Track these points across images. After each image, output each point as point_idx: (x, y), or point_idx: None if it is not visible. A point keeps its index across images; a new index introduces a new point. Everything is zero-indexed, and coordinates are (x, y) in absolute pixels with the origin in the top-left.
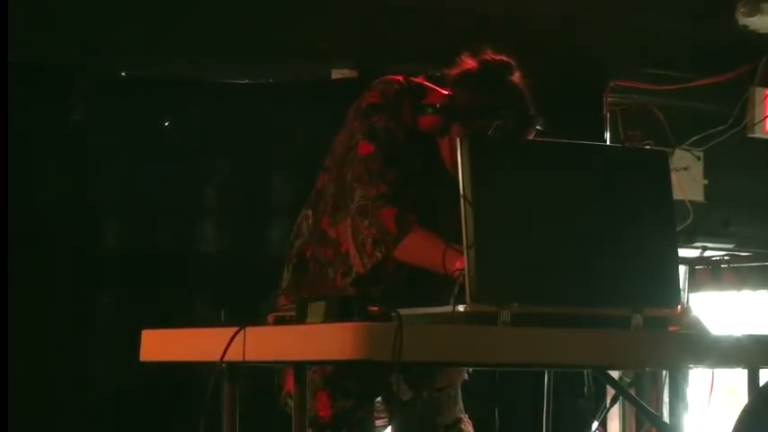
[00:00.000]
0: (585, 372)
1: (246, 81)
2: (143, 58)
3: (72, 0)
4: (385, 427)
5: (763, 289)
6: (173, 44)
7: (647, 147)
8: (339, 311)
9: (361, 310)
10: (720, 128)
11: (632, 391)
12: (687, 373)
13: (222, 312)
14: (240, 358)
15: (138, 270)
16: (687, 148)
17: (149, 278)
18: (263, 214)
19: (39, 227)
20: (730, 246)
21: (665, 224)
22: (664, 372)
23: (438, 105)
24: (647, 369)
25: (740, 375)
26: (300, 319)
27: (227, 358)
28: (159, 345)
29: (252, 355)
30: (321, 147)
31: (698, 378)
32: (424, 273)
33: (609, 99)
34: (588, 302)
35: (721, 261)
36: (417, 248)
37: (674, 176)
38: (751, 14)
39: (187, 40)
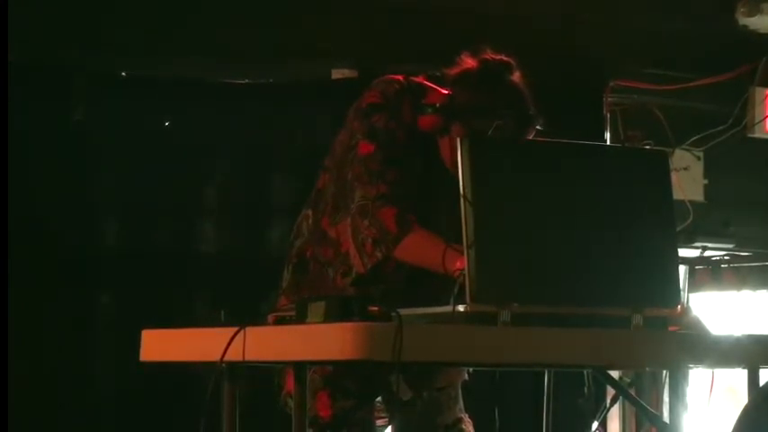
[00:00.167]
0: (585, 372)
1: (246, 81)
2: (143, 58)
3: (72, 0)
4: (385, 426)
5: (763, 289)
6: (173, 44)
7: (647, 147)
8: (339, 311)
9: (361, 310)
10: (720, 128)
11: (632, 391)
12: (687, 372)
13: (222, 312)
14: (240, 358)
15: (138, 270)
16: (687, 148)
17: (149, 278)
18: (263, 214)
19: (39, 227)
20: (730, 246)
21: (665, 224)
22: (664, 372)
23: (438, 105)
24: (647, 369)
25: (740, 375)
26: (300, 319)
27: (227, 358)
28: (159, 345)
29: (252, 355)
30: (321, 147)
31: (698, 378)
32: (424, 273)
33: (609, 99)
34: (588, 302)
35: (721, 261)
36: (417, 248)
37: (674, 176)
38: (751, 14)
39: (187, 40)
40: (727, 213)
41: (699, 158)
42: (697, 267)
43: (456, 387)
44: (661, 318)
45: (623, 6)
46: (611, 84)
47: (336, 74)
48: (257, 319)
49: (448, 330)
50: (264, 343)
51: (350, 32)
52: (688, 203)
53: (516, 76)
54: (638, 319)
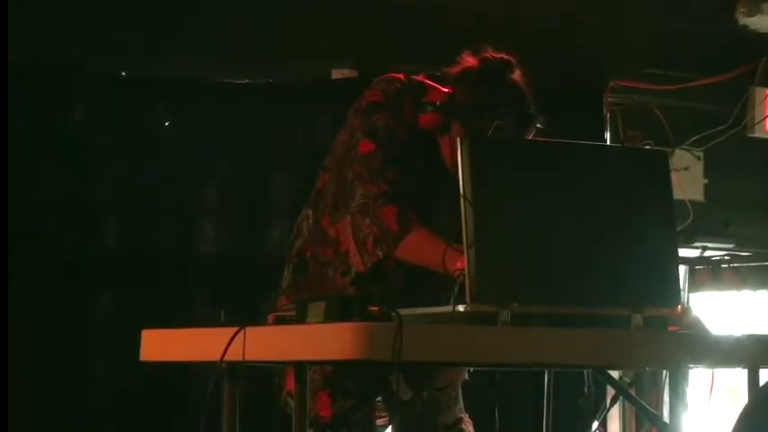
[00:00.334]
0: (585, 372)
1: (246, 81)
2: (143, 58)
3: (72, 0)
4: (385, 426)
5: (764, 289)
6: (173, 44)
7: (647, 147)
8: (339, 311)
9: (361, 310)
10: (720, 128)
11: (632, 391)
12: (687, 372)
13: (222, 312)
14: (240, 358)
15: (138, 270)
16: (687, 148)
17: (149, 278)
18: (263, 214)
19: (39, 227)
20: (730, 246)
21: (665, 224)
22: (664, 372)
23: (438, 103)
24: (647, 369)
25: (740, 375)
26: (300, 319)
27: (227, 358)
28: (159, 345)
29: (252, 355)
30: (321, 147)
31: (698, 378)
32: (425, 272)
33: (609, 99)
34: (588, 302)
35: (721, 261)
36: (418, 248)
37: (674, 176)
38: (751, 14)
39: (187, 40)
40: (727, 213)
41: (699, 158)
42: (697, 267)
43: (456, 387)
44: (661, 318)
45: (623, 6)
46: (611, 84)
47: (336, 74)
48: (257, 319)
49: (448, 330)
50: (264, 343)
51: (350, 32)
52: (688, 203)
53: (517, 75)
54: (638, 319)
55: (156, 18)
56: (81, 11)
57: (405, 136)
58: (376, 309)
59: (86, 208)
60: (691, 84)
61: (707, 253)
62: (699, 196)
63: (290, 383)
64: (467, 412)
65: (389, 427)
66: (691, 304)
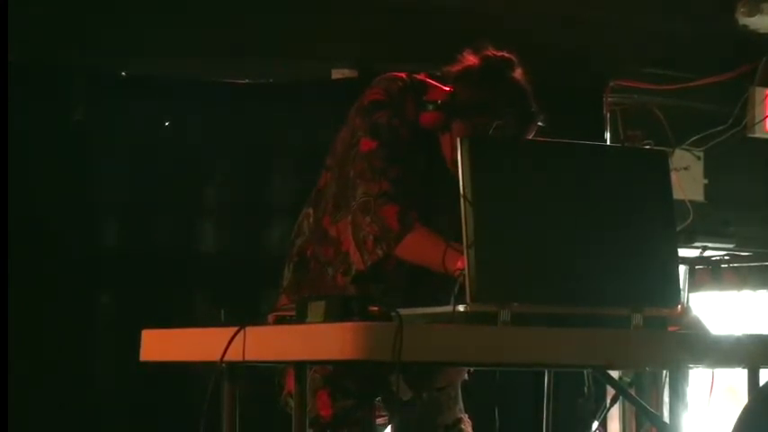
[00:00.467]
0: (585, 372)
1: (246, 81)
2: (143, 58)
3: (72, 0)
4: (385, 426)
5: (764, 289)
6: (172, 44)
7: (647, 147)
8: (339, 311)
9: (361, 309)
10: (720, 128)
11: (632, 391)
12: (687, 372)
13: (222, 312)
14: (240, 358)
15: (138, 270)
16: (687, 147)
17: (149, 278)
18: (263, 214)
19: (39, 227)
20: (730, 245)
21: (665, 224)
22: (664, 371)
23: (439, 102)
24: (647, 369)
25: (740, 375)
26: (300, 318)
27: (227, 358)
28: (159, 344)
29: (252, 355)
30: (321, 147)
31: (698, 378)
32: (425, 272)
33: (609, 99)
34: (588, 302)
35: (721, 261)
36: (418, 247)
37: (674, 176)
38: (751, 14)
39: (187, 40)
40: (727, 213)
41: (699, 158)
42: (697, 267)
43: (456, 387)
44: (661, 318)
45: (623, 6)
46: (611, 84)
47: (336, 74)
48: (257, 319)
49: (448, 330)
50: (264, 343)
51: (350, 32)
52: (688, 203)
53: (518, 73)
54: (638, 319)
55: (157, 18)
56: (81, 11)
57: (407, 134)
58: (376, 309)
59: (86, 208)
60: (691, 84)
61: (707, 253)
62: (699, 196)
63: (291, 383)
64: (467, 412)
65: (389, 427)
66: (691, 304)
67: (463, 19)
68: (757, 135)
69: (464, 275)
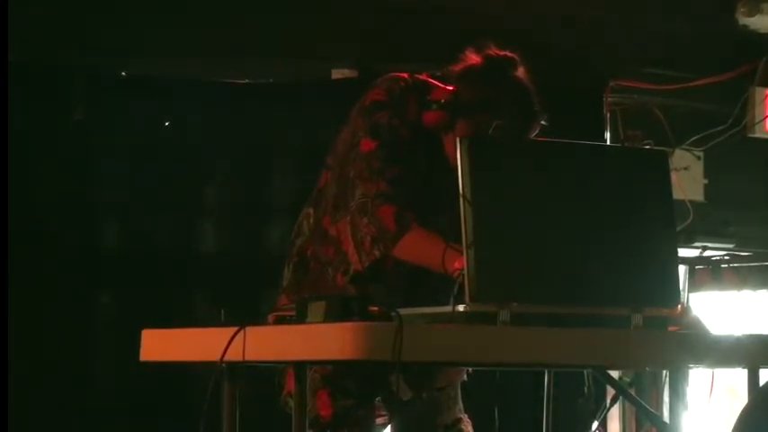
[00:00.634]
0: (585, 372)
1: (246, 81)
2: (143, 58)
3: (72, 0)
4: (385, 425)
5: (764, 289)
6: (172, 44)
7: (647, 147)
8: (339, 311)
9: (361, 309)
10: (720, 128)
11: (632, 391)
12: (687, 372)
13: (222, 312)
14: (240, 358)
15: (138, 270)
16: (687, 147)
17: (149, 278)
18: (263, 214)
19: (39, 227)
20: (730, 245)
21: (665, 224)
22: (664, 372)
23: (443, 101)
24: (647, 369)
25: (740, 375)
26: (300, 318)
27: (227, 358)
28: (159, 344)
29: (252, 355)
30: (321, 147)
31: (698, 378)
32: (424, 272)
33: (609, 99)
34: (588, 302)
35: (721, 261)
36: (416, 247)
37: (674, 176)
38: (751, 14)
39: (187, 40)
40: (727, 213)
41: (699, 158)
42: (697, 267)
43: (456, 387)
44: (661, 318)
45: (623, 6)
46: (611, 84)
47: (336, 74)
48: (257, 319)
49: (448, 330)
50: (264, 343)
51: (350, 32)
52: (688, 203)
53: (521, 72)
54: (638, 319)
55: (157, 18)
56: (81, 11)
57: (407, 134)
58: (376, 309)
59: (86, 208)
60: (691, 84)
61: (707, 253)
62: (699, 196)
63: (291, 383)
64: (467, 412)
65: (389, 427)
66: (691, 304)
67: (463, 19)
68: (757, 135)
69: (463, 275)
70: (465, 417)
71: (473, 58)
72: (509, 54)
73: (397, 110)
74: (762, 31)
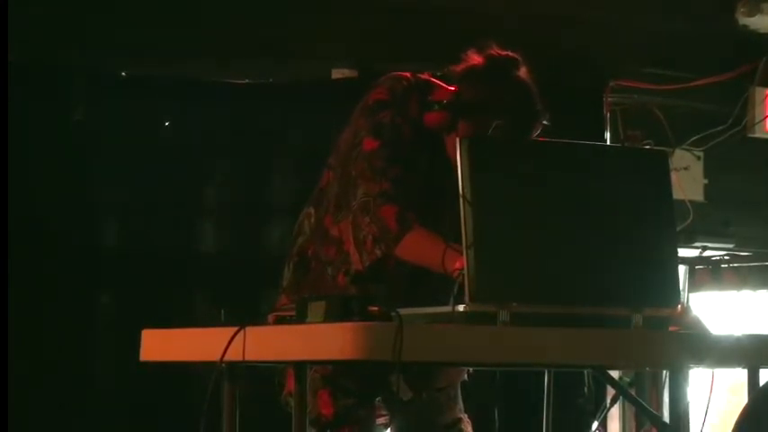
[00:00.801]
0: (585, 372)
1: (246, 81)
2: (143, 58)
3: (72, 0)
4: (385, 425)
5: (764, 289)
6: (173, 44)
7: (647, 147)
8: (339, 311)
9: (361, 309)
10: (720, 128)
11: (632, 391)
12: (687, 372)
13: (222, 312)
14: (240, 358)
15: (138, 270)
16: (687, 147)
17: (149, 278)
18: (263, 214)
19: (39, 227)
20: (730, 245)
21: (665, 224)
22: (664, 372)
23: (445, 102)
24: (647, 369)
25: (740, 375)
26: (300, 318)
27: (227, 358)
28: (159, 344)
29: (252, 355)
30: (321, 147)
31: (698, 378)
32: (425, 272)
33: (609, 99)
34: (588, 302)
35: (721, 261)
36: (417, 247)
37: (674, 176)
38: (751, 14)
39: (187, 40)
40: (727, 213)
41: (699, 158)
42: (697, 267)
43: (456, 387)
44: (661, 318)
45: (623, 6)
46: (611, 84)
47: (336, 74)
48: (257, 319)
49: (448, 330)
50: (264, 343)
51: (350, 32)
52: (688, 203)
53: (523, 72)
54: (638, 319)
55: (156, 18)
56: (81, 11)
57: (409, 133)
58: (376, 309)
59: (86, 208)
60: (691, 84)
61: (707, 253)
62: (699, 196)
63: (291, 383)
64: (467, 412)
65: (389, 428)
66: (691, 304)
67: (463, 19)
68: (757, 135)
69: (463, 276)
70: (465, 417)
71: (475, 58)
72: (511, 54)
73: (399, 109)
74: (762, 31)
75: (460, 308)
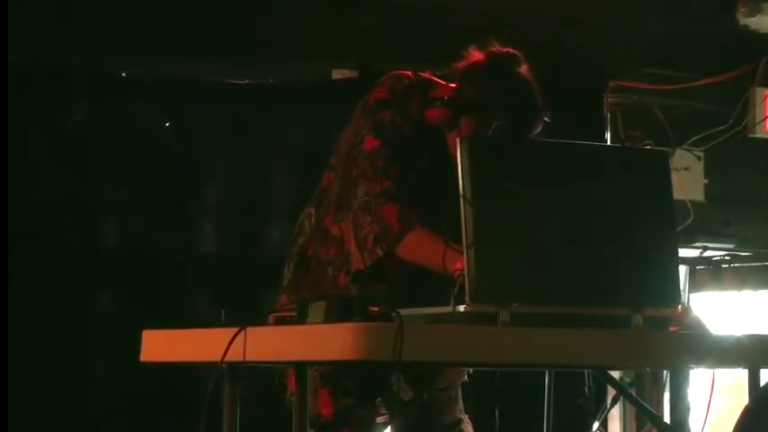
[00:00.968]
0: (586, 372)
1: (246, 81)
2: (143, 58)
3: (72, 0)
4: (385, 425)
5: (764, 289)
6: (173, 44)
7: (647, 147)
8: (340, 311)
9: (361, 310)
10: (720, 128)
11: (633, 391)
12: (688, 372)
13: (222, 312)
14: (241, 358)
15: (138, 270)
16: (687, 147)
17: (149, 278)
18: (263, 214)
19: (39, 227)
20: (731, 246)
21: (666, 224)
22: (664, 372)
23: (446, 98)
24: (648, 369)
25: (741, 375)
26: (301, 319)
27: (227, 358)
28: (160, 345)
29: (252, 356)
30: (321, 147)
31: (698, 378)
32: (425, 272)
33: (609, 99)
34: (588, 302)
35: (722, 261)
36: (418, 247)
37: (674, 176)
38: (751, 14)
39: (187, 40)
40: (728, 213)
41: (699, 158)
42: (697, 267)
43: (456, 388)
44: (661, 318)
45: (623, 6)
46: (611, 84)
47: (336, 74)
48: (258, 319)
49: (448, 330)
50: (265, 343)
51: (350, 32)
52: (688, 203)
53: (524, 69)
54: (638, 319)
55: (157, 18)
56: (81, 11)
57: (410, 132)
58: (376, 309)
59: (86, 208)
60: (691, 84)
61: (707, 253)
62: (699, 196)
63: (293, 383)
64: (467, 413)
65: (389, 428)
66: (691, 304)
67: (463, 19)
68: (757, 135)
69: (464, 276)
70: (465, 417)
71: (476, 55)
72: (512, 51)
73: (400, 108)
74: (762, 31)
75: (461, 308)
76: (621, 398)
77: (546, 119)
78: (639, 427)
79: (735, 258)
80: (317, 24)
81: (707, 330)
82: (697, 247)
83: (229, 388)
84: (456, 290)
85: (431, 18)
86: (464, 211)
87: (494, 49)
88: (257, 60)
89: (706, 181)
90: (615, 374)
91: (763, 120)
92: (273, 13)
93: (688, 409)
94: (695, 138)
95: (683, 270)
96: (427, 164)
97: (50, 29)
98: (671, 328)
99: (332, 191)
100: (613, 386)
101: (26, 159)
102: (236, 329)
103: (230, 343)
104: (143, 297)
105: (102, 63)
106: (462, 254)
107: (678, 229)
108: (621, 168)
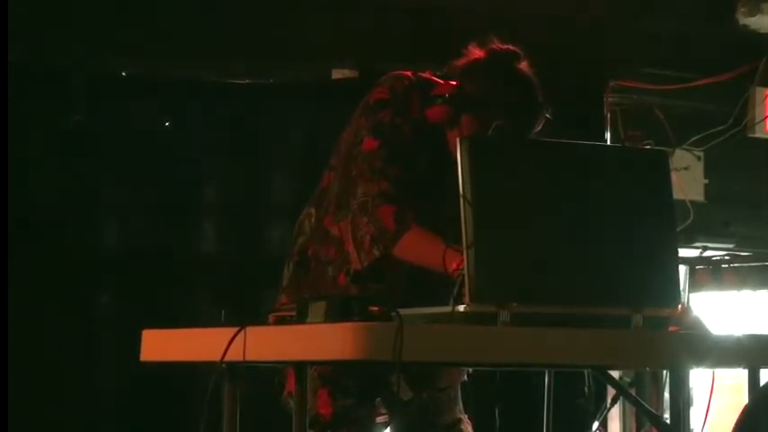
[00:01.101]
0: (585, 372)
1: (246, 81)
2: (143, 57)
3: (72, 0)
4: (385, 424)
5: (764, 289)
6: (173, 44)
7: (647, 147)
8: (340, 311)
9: (361, 310)
10: (720, 128)
11: (633, 391)
12: (688, 372)
13: (222, 312)
14: (240, 358)
15: (138, 270)
16: (687, 147)
17: (149, 278)
18: (263, 214)
19: (39, 227)
20: (730, 245)
21: (665, 224)
22: (664, 372)
23: (447, 96)
24: (648, 369)
25: (741, 375)
26: (301, 318)
27: (227, 358)
28: (159, 344)
29: (252, 356)
30: (321, 147)
31: (698, 378)
32: (424, 272)
33: (609, 99)
34: (588, 302)
35: (722, 261)
36: (416, 247)
37: (674, 176)
38: (751, 14)
39: (187, 40)
40: (727, 213)
41: (699, 158)
42: (697, 267)
43: (456, 388)
44: (661, 318)
45: (623, 6)
46: (611, 84)
47: (336, 74)
48: (257, 319)
49: (448, 330)
50: (265, 343)
51: (350, 32)
52: (688, 203)
53: (524, 65)
54: (638, 319)
55: (156, 18)
56: (81, 11)
57: (410, 132)
58: (376, 309)
59: (86, 208)
60: (691, 84)
61: (707, 253)
62: (699, 196)
63: (291, 383)
64: (467, 413)
65: (388, 428)
66: (691, 304)
67: (463, 19)
68: (757, 135)
69: (463, 275)
70: (465, 417)
71: (476, 52)
72: (512, 48)
73: (400, 108)
74: (762, 31)
75: (460, 308)
76: (621, 398)
77: (547, 115)
78: (639, 426)
79: (734, 258)
80: (317, 24)
81: (707, 330)
82: (697, 247)
83: (229, 388)
84: (455, 290)
85: (431, 18)
86: (464, 210)
87: (494, 46)
88: (257, 60)
89: (706, 181)
90: (615, 374)
91: (763, 120)
92: (273, 13)
93: (688, 408)
94: (695, 138)
95: (682, 270)
96: (427, 164)
97: (50, 29)
98: (671, 328)
99: (332, 191)
100: (613, 386)
101: (26, 159)
102: (236, 329)
103: (230, 343)
104: (143, 297)
105: (102, 63)
106: (461, 253)
107: (678, 229)
108: (621, 168)
